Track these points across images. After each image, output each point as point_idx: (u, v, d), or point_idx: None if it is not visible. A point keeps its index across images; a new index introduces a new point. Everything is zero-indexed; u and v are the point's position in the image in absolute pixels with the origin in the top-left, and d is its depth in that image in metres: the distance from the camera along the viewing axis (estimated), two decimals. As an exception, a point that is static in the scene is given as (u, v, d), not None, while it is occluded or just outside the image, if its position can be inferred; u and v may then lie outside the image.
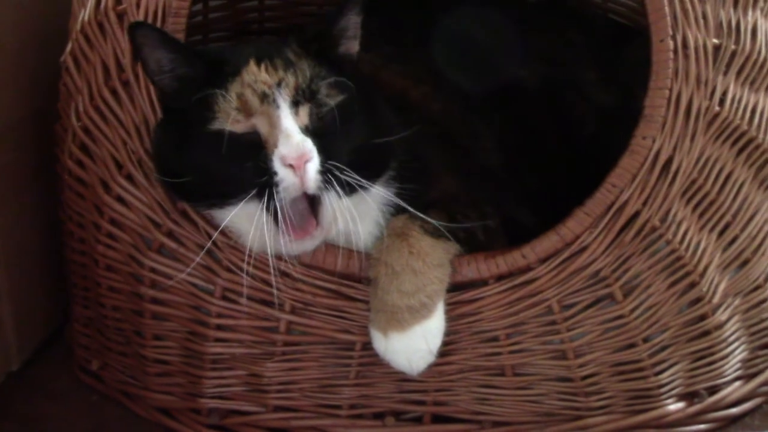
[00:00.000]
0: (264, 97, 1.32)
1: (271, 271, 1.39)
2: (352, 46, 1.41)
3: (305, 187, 1.31)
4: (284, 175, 1.31)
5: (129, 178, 1.50)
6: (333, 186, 1.32)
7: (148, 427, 1.59)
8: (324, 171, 1.32)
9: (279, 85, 1.33)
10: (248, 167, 1.32)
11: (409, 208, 1.40)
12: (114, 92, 1.49)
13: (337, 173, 1.32)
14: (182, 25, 1.46)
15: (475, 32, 1.73)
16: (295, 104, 1.33)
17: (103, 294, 1.59)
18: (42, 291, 1.78)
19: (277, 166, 1.31)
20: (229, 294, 1.49)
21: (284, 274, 1.46)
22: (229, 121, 1.32)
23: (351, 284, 1.46)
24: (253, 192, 1.32)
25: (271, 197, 1.31)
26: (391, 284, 1.40)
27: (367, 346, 1.45)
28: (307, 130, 1.33)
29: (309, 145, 1.31)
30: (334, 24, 1.39)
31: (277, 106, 1.32)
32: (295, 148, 1.30)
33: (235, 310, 1.49)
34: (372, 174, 1.38)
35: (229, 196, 1.34)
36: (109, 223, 1.53)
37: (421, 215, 1.41)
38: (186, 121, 1.36)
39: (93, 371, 1.68)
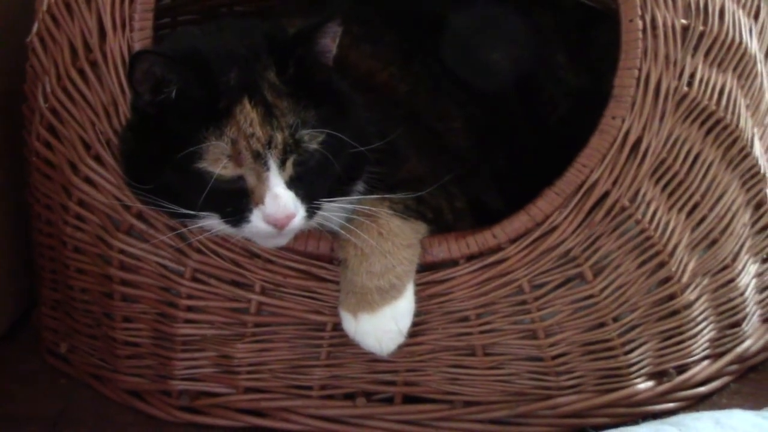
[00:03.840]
0: (257, 156, 1.30)
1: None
2: (331, 55, 1.38)
3: (282, 233, 1.33)
4: (264, 228, 1.32)
5: (97, 159, 1.48)
6: (312, 218, 1.34)
7: (118, 410, 1.58)
8: (306, 215, 1.33)
9: (269, 145, 1.31)
10: (228, 210, 1.32)
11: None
12: (82, 72, 1.48)
13: (316, 207, 1.34)
14: (151, 4, 1.45)
15: (447, 14, 1.72)
16: (283, 162, 1.32)
17: (71, 276, 1.58)
18: (9, 274, 1.76)
19: (258, 218, 1.31)
20: (199, 275, 1.48)
21: (254, 255, 1.45)
22: (219, 166, 1.30)
23: (322, 265, 1.45)
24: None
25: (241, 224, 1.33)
26: (360, 265, 1.40)
27: (338, 326, 1.45)
28: (292, 181, 1.32)
29: (294, 205, 1.31)
30: (314, 43, 1.36)
31: (267, 168, 1.31)
32: (282, 210, 1.31)
33: (206, 291, 1.49)
34: (348, 182, 1.40)
35: (197, 217, 1.34)
36: (78, 204, 1.52)
37: (390, 196, 1.41)
38: (165, 141, 1.32)
39: (61, 354, 1.67)
